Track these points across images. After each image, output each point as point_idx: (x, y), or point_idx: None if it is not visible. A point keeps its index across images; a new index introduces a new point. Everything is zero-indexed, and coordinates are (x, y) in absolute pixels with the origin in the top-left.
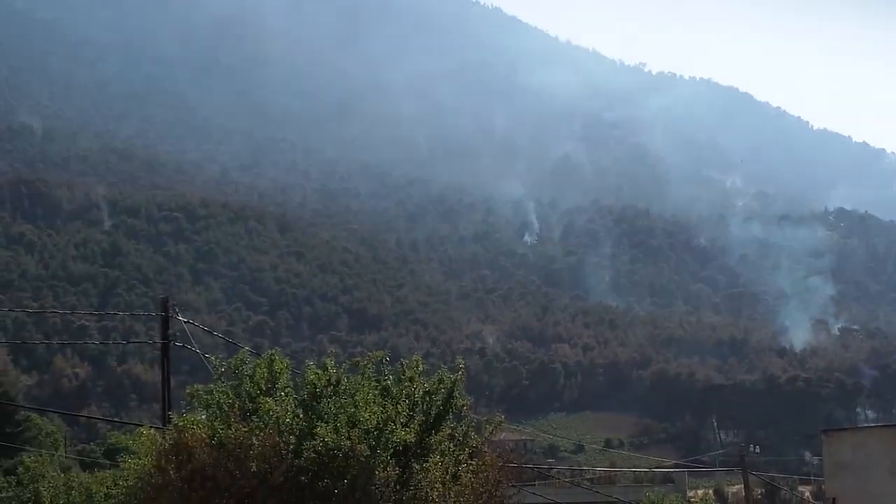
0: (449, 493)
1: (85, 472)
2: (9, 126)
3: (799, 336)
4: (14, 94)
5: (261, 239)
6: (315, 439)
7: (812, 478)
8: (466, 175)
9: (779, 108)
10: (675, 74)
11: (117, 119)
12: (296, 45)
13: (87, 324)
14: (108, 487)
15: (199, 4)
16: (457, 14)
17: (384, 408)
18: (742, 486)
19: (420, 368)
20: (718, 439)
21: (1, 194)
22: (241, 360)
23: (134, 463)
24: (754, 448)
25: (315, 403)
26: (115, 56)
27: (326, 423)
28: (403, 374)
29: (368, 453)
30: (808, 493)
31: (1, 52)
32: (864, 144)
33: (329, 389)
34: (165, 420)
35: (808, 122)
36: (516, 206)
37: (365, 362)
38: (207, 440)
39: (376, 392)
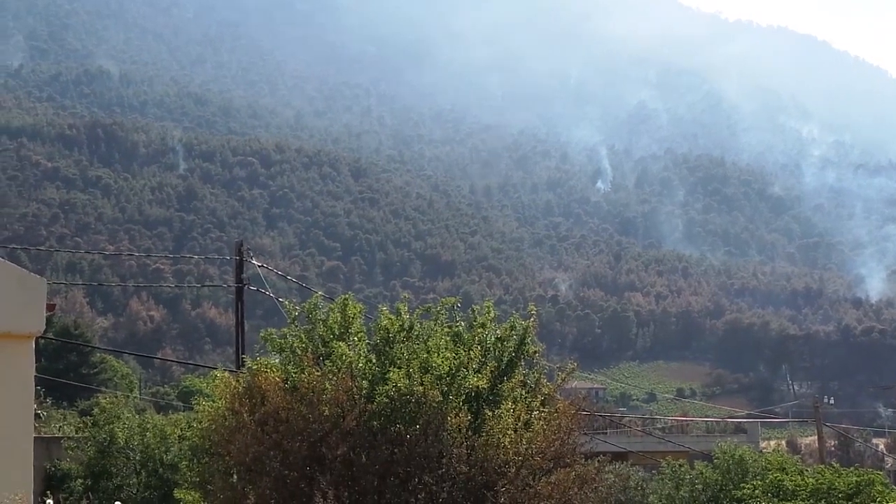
0: (521, 440)
1: (159, 414)
2: (86, 70)
3: (875, 286)
4: (91, 38)
5: (334, 184)
6: (387, 384)
7: (886, 430)
8: (540, 122)
9: (857, 57)
10: (750, 22)
11: (193, 64)
12: None
13: (161, 267)
14: (181, 429)
15: None
16: None
17: (456, 354)
18: (815, 437)
19: (492, 315)
20: (792, 390)
21: (78, 138)
22: (315, 304)
23: (208, 405)
24: (828, 399)
25: (388, 349)
26: (190, 1)
27: (399, 368)
28: (475, 321)
29: (440, 399)
30: (882, 446)
31: None
32: None
33: (402, 335)
34: (239, 363)
35: (886, 72)
36: (590, 153)
37: (437, 308)
38: (281, 384)
39: (448, 338)
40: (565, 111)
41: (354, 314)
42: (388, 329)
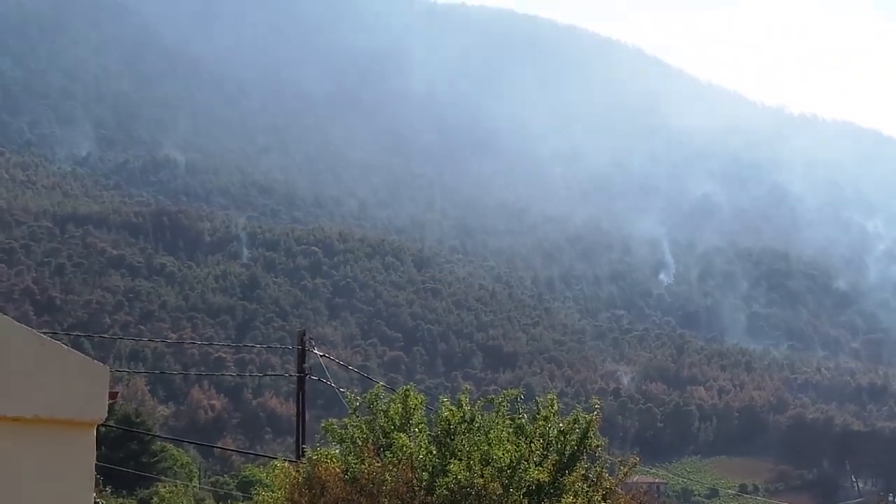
0: None
1: (218, 503)
2: (153, 158)
3: None
4: (160, 128)
5: (397, 274)
6: (448, 476)
7: None
8: (603, 214)
9: None
10: (815, 116)
11: (259, 153)
12: (436, 82)
13: (224, 356)
14: None
15: (342, 41)
16: (597, 54)
17: (518, 446)
18: None
19: (555, 407)
20: (856, 487)
21: (143, 226)
22: (376, 395)
23: (267, 496)
24: (892, 497)
25: (449, 440)
26: (257, 91)
27: (459, 460)
28: (538, 413)
29: (501, 492)
30: None
31: (149, 87)
32: None
33: (463, 426)
34: (299, 453)
35: None
36: (653, 245)
37: (499, 400)
38: (341, 474)
39: (510, 430)
40: (628, 203)
41: (416, 405)
42: (449, 420)
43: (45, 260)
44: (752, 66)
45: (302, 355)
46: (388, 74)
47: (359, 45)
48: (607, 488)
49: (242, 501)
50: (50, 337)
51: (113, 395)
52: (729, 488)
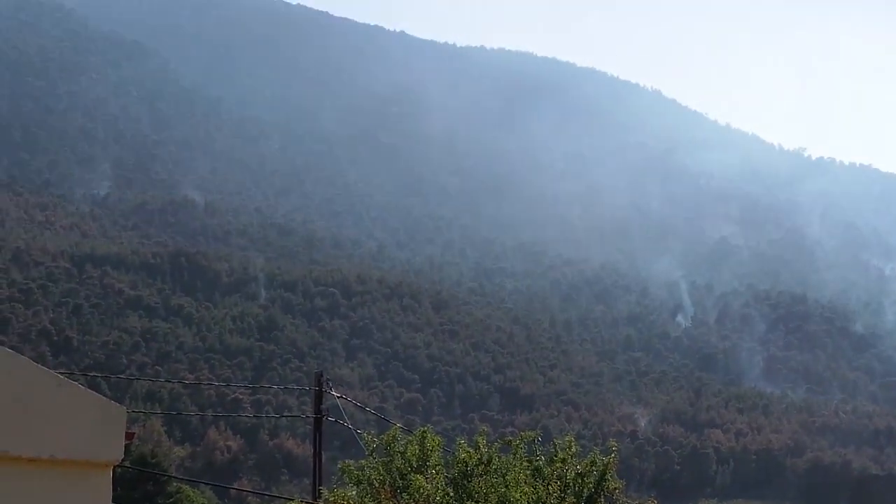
0: None
1: None
2: (172, 199)
3: None
4: (178, 168)
5: (415, 316)
6: None
7: None
8: (621, 256)
9: None
10: (833, 159)
11: (277, 195)
12: (455, 124)
13: (240, 397)
14: None
15: (360, 83)
16: (616, 96)
17: (535, 489)
18: None
19: (572, 450)
20: None
21: (161, 266)
22: (393, 436)
23: None
24: None
25: (466, 482)
26: (276, 133)
27: (477, 502)
28: (555, 455)
29: None
30: None
31: (168, 128)
32: None
33: (480, 468)
34: (316, 495)
35: None
36: (671, 288)
37: (517, 442)
38: None
39: (528, 472)
40: (646, 245)
41: (433, 447)
42: (466, 462)
43: (63, 300)
44: (770, 110)
45: (319, 396)
46: (406, 116)
47: (378, 87)
48: None
49: None
50: (67, 377)
51: (129, 436)
52: None
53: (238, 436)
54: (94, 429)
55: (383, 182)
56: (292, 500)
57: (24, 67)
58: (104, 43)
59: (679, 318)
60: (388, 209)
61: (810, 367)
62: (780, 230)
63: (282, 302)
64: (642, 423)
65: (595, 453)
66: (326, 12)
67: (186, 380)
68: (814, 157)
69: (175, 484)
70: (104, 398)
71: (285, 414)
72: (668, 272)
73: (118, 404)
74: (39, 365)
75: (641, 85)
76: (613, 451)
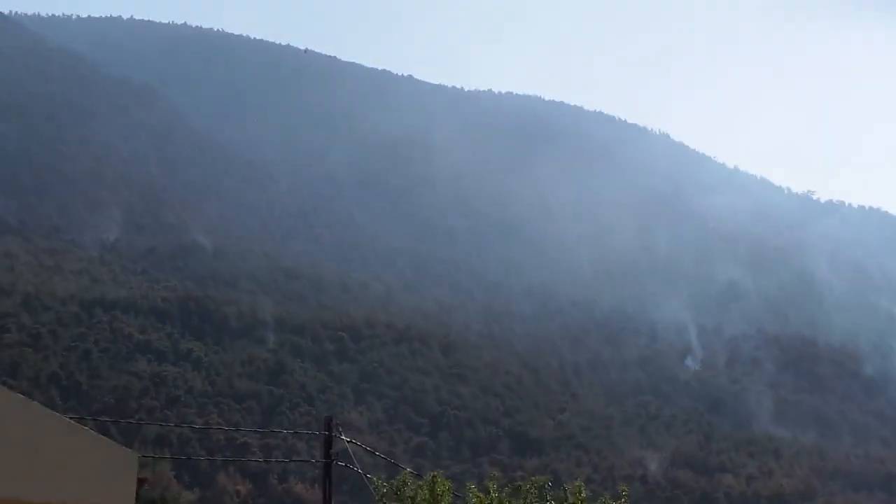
0: None
1: None
2: (181, 243)
3: None
4: (188, 212)
5: (424, 360)
6: None
7: None
8: (630, 298)
9: None
10: (843, 202)
11: (285, 238)
12: (463, 167)
13: (250, 441)
14: None
15: (368, 127)
16: (624, 139)
17: None
18: None
19: (582, 494)
20: None
21: (171, 311)
22: (404, 481)
23: None
24: None
25: None
26: (284, 176)
27: None
28: (565, 500)
29: None
30: None
31: (177, 173)
32: None
33: None
34: None
35: None
36: (680, 330)
37: (527, 487)
38: None
39: None
40: (655, 288)
41: (443, 492)
42: None
43: (72, 345)
44: (779, 153)
45: (329, 441)
46: (414, 160)
47: (386, 131)
48: None
49: None
50: (77, 422)
51: (141, 481)
52: None
53: (247, 480)
54: (106, 474)
55: (391, 225)
56: None
57: (33, 112)
58: (113, 87)
59: (688, 361)
60: (396, 252)
61: (821, 410)
62: (789, 273)
63: (290, 346)
64: (652, 467)
65: (605, 498)
66: (334, 57)
67: (196, 424)
68: (822, 200)
69: None
70: (115, 443)
71: (295, 458)
72: (677, 315)
73: (129, 449)
74: (52, 410)
75: (649, 128)
76: (624, 495)
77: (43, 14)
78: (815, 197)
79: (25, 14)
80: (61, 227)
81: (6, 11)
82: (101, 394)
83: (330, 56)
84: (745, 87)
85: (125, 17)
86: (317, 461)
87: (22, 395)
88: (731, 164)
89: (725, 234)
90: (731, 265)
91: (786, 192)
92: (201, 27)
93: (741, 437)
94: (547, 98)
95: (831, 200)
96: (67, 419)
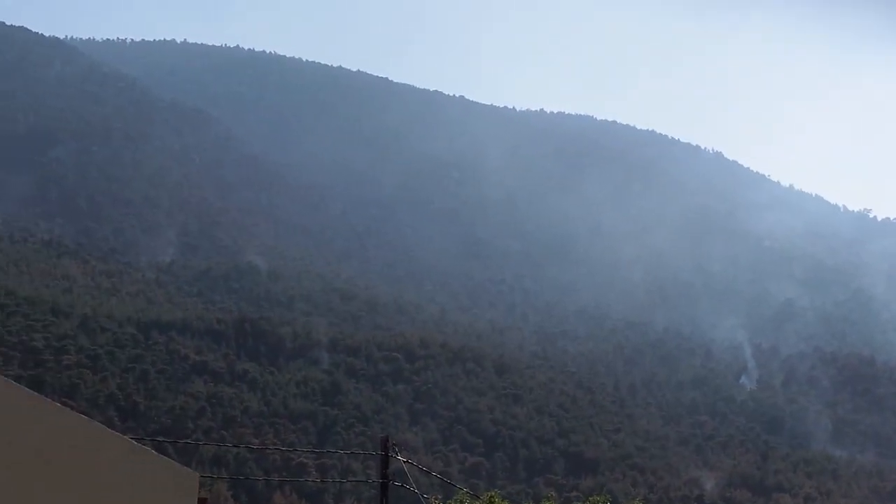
0: None
1: None
2: (236, 265)
3: None
4: (242, 234)
5: (478, 380)
6: None
7: None
8: (684, 319)
9: None
10: None
11: (339, 259)
12: (515, 187)
13: (305, 461)
14: None
15: (420, 148)
16: (676, 158)
17: None
18: None
19: None
20: None
21: (226, 332)
22: (460, 501)
23: None
24: None
25: None
26: (337, 198)
27: None
28: None
29: None
30: None
31: (231, 195)
32: None
33: None
34: None
35: None
36: (735, 350)
37: None
38: None
39: None
40: (710, 307)
41: None
42: None
43: (130, 366)
44: (834, 171)
45: (385, 461)
46: (466, 180)
47: (437, 152)
48: None
49: None
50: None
51: (202, 502)
52: None
53: (303, 500)
54: (168, 494)
55: (444, 246)
56: None
57: (88, 137)
58: (167, 111)
59: (744, 380)
60: (449, 273)
61: (879, 430)
62: (845, 291)
63: (345, 366)
64: (708, 487)
65: None
66: (386, 78)
67: (252, 444)
68: (879, 218)
69: None
70: (176, 463)
71: (351, 478)
72: (733, 334)
73: (190, 469)
74: (114, 431)
75: (702, 147)
76: None
77: (97, 39)
78: (871, 215)
79: (80, 38)
80: (117, 249)
81: (62, 36)
82: (159, 414)
83: (382, 77)
84: (799, 106)
85: (178, 40)
86: (373, 481)
87: (85, 417)
88: (785, 183)
89: (780, 252)
90: (787, 284)
91: (841, 210)
92: (254, 50)
93: (798, 456)
94: (599, 118)
95: (888, 218)
96: (129, 440)
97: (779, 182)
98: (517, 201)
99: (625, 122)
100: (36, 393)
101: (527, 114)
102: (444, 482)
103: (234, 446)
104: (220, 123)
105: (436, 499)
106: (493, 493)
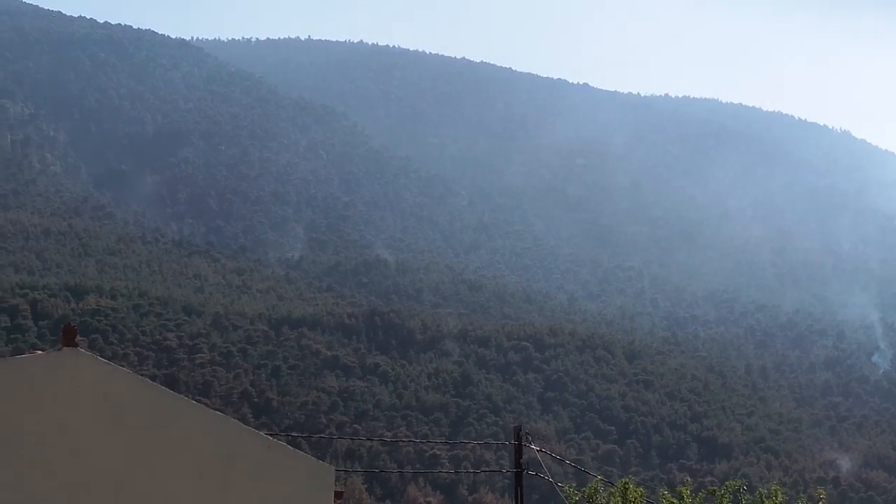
0: None
1: None
2: (364, 259)
3: None
4: (370, 228)
5: (609, 367)
6: None
7: None
8: (814, 300)
9: None
10: None
11: (467, 251)
12: (641, 173)
13: (438, 452)
14: None
15: (545, 137)
16: (804, 138)
17: None
18: None
19: (779, 498)
20: None
21: (357, 326)
22: (595, 489)
23: None
24: None
25: None
26: (463, 189)
27: None
28: None
29: None
30: None
31: (358, 189)
32: None
33: None
34: None
35: None
36: (867, 330)
37: (721, 492)
38: None
39: None
40: (840, 288)
41: (635, 498)
42: None
43: (262, 362)
44: None
45: (519, 450)
46: (592, 168)
47: (562, 140)
48: None
49: None
50: (271, 438)
51: (339, 495)
52: None
53: (438, 491)
54: (305, 488)
55: (571, 234)
56: None
57: (217, 136)
58: (293, 108)
59: (876, 359)
60: (577, 261)
61: None
62: None
63: (475, 357)
64: (844, 468)
65: (803, 501)
66: (510, 68)
67: (385, 437)
68: None
69: None
70: (312, 458)
71: (484, 469)
72: (864, 314)
73: (325, 463)
74: (250, 427)
75: (830, 126)
76: (821, 499)
77: (223, 39)
78: None
79: (206, 39)
80: (247, 246)
81: (188, 38)
82: (292, 409)
83: (505, 67)
84: None
85: (302, 37)
86: (507, 471)
87: (221, 414)
88: None
89: None
90: None
91: None
92: (377, 44)
93: None
94: (724, 100)
95: None
96: (267, 436)
97: None
98: (643, 187)
99: (750, 105)
100: (174, 392)
101: (651, 99)
102: (578, 470)
103: (368, 440)
104: (345, 118)
105: (570, 487)
106: (626, 480)
